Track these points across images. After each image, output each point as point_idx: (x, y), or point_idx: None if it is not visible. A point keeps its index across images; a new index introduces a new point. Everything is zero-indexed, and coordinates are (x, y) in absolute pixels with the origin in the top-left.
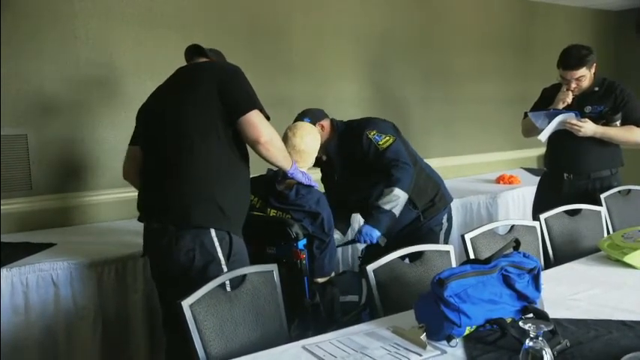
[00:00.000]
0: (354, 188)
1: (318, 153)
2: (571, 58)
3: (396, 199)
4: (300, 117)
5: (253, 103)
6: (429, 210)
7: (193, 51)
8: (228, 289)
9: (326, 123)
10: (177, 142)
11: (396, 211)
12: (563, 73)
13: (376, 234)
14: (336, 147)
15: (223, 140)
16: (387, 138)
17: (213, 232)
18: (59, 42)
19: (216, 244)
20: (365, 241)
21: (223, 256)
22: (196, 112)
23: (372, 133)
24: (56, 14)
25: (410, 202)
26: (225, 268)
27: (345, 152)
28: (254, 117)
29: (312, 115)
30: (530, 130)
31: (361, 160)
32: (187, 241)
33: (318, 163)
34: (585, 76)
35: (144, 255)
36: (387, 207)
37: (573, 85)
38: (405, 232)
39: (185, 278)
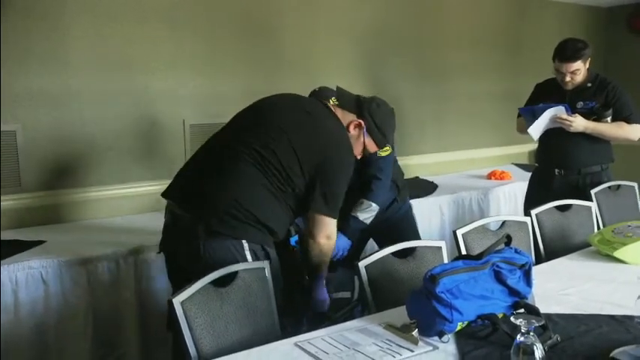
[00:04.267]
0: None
1: None
2: (567, 51)
3: (373, 213)
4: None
5: (329, 210)
6: (402, 193)
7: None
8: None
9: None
10: (259, 156)
11: (369, 222)
12: (558, 66)
13: (348, 245)
14: None
15: (296, 187)
16: (387, 148)
17: (246, 244)
18: (48, 37)
19: (249, 258)
20: (336, 255)
21: None
22: (291, 154)
23: None
24: (46, 10)
25: (394, 184)
26: None
27: None
28: (326, 222)
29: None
30: (525, 128)
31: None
32: (216, 253)
33: None
34: (580, 70)
35: (160, 251)
36: (364, 219)
37: (568, 79)
38: (387, 215)
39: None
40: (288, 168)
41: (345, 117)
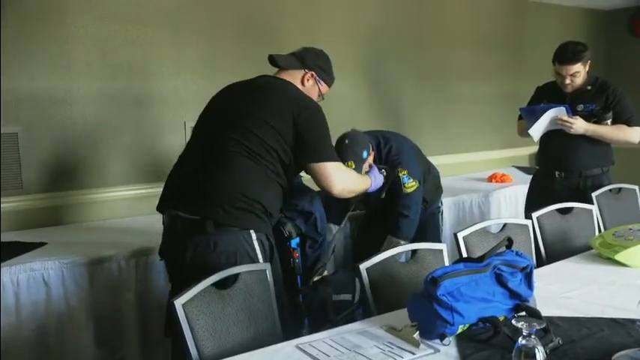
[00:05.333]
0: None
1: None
2: (567, 53)
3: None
4: (356, 149)
5: (324, 155)
6: (431, 197)
7: (271, 62)
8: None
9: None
10: (244, 145)
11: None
12: (558, 68)
13: None
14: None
15: (284, 161)
16: (414, 183)
17: (253, 234)
18: (50, 40)
19: (257, 248)
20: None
21: (263, 260)
22: (269, 130)
23: (402, 173)
24: (48, 11)
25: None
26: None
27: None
28: (326, 168)
29: (365, 146)
30: (526, 130)
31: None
32: (228, 245)
33: None
34: (580, 72)
35: (162, 252)
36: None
37: (568, 81)
38: None
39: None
40: (277, 146)
41: (294, 75)
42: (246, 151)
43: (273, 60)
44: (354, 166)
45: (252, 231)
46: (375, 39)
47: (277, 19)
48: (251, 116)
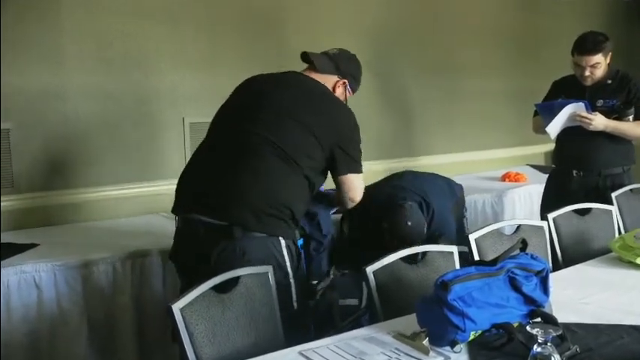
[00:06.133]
0: None
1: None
2: (587, 43)
3: None
4: (419, 229)
5: (359, 166)
6: (460, 212)
7: (304, 59)
8: None
9: None
10: (276, 145)
11: None
12: (577, 59)
13: None
14: None
15: (315, 167)
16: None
17: (282, 241)
18: (44, 33)
19: (286, 255)
20: None
21: (291, 268)
22: (303, 130)
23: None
24: (41, 5)
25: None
26: (292, 281)
27: None
28: (355, 180)
29: (424, 221)
30: (542, 127)
31: None
32: (256, 252)
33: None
34: (600, 63)
35: (174, 254)
36: None
37: (587, 73)
38: None
39: None
40: (310, 149)
41: (327, 80)
42: (277, 152)
43: (307, 57)
44: None
45: (281, 238)
46: (379, 33)
47: (278, 13)
48: (289, 118)
